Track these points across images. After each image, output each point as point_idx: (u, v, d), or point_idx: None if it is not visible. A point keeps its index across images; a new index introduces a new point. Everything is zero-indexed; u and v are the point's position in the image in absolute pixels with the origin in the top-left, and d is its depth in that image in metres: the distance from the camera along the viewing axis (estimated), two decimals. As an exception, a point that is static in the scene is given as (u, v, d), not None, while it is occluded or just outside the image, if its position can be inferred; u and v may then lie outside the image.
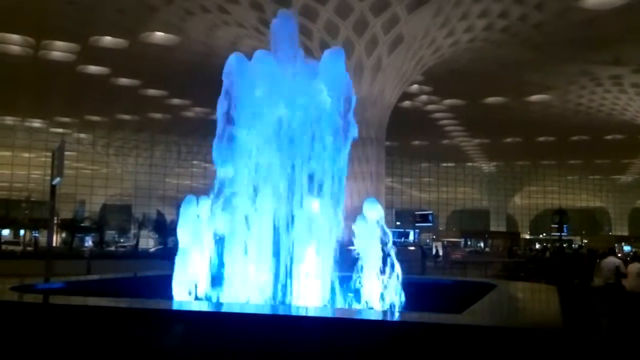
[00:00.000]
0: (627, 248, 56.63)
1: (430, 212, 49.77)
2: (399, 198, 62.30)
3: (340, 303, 6.15)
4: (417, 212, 47.95)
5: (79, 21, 24.69)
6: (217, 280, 6.34)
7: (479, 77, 30.62)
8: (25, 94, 36.65)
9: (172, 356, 4.24)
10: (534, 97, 35.22)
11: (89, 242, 48.53)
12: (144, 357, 4.28)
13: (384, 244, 6.16)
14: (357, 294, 6.14)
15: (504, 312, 5.19)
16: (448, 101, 36.89)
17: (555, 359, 3.52)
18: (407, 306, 6.18)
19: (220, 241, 6.38)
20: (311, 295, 5.93)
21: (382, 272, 6.08)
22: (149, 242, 45.56)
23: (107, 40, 27.26)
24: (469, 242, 57.70)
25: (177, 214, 6.85)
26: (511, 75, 30.66)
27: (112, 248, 45.11)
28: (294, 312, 5.01)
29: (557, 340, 3.54)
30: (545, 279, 19.23)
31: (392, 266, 6.11)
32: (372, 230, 6.18)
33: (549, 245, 40.86)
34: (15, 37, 27.53)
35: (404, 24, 21.81)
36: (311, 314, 4.88)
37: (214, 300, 6.26)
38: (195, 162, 53.91)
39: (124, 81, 33.36)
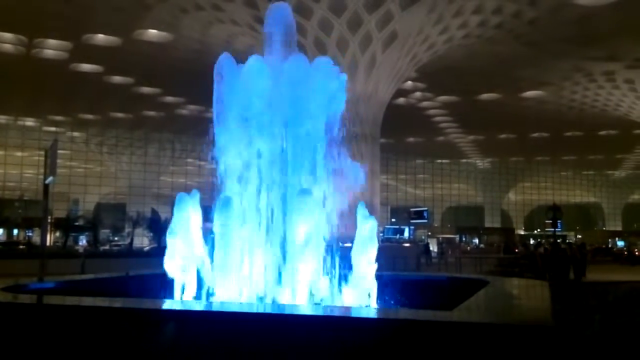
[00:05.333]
0: (620, 243, 56.97)
1: (425, 208, 49.91)
2: (394, 195, 62.41)
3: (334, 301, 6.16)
4: (412, 209, 48.09)
5: (72, 19, 24.55)
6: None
7: (473, 74, 30.68)
8: (17, 93, 36.44)
9: (166, 356, 4.24)
10: (528, 93, 35.33)
11: (83, 241, 48.31)
12: (138, 357, 4.28)
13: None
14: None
15: (495, 309, 5.21)
16: (442, 98, 36.94)
17: (546, 355, 3.54)
18: (401, 303, 6.21)
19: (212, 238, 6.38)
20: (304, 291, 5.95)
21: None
22: (143, 240, 45.43)
23: (100, 38, 27.13)
24: (464, 238, 57.79)
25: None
26: (505, 72, 30.74)
27: (107, 247, 44.93)
28: (286, 311, 5.02)
29: (548, 337, 3.57)
30: (539, 275, 19.33)
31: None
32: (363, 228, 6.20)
33: (542, 241, 41.06)
34: (7, 35, 27.35)
35: (398, 20, 21.83)
36: (303, 312, 4.89)
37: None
38: (189, 160, 53.77)
39: (117, 79, 33.22)
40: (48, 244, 32.10)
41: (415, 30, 22.65)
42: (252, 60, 6.69)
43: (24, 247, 38.69)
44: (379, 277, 6.33)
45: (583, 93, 34.44)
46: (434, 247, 42.89)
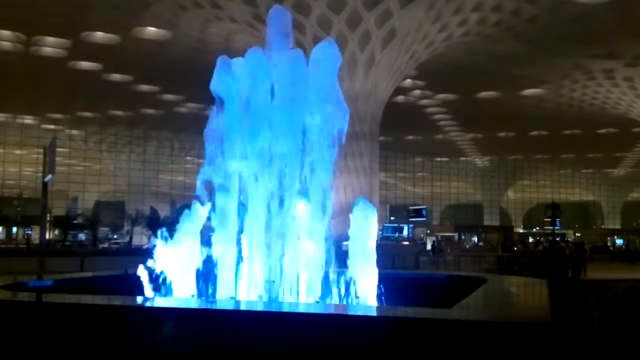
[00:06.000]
0: (619, 241, 57.08)
1: (424, 206, 49.80)
2: (392, 193, 62.42)
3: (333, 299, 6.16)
4: (411, 207, 47.99)
5: (71, 17, 24.51)
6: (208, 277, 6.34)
7: (473, 72, 30.68)
8: (16, 90, 36.39)
9: (165, 353, 4.24)
10: (527, 92, 35.34)
11: (82, 239, 48.27)
12: (138, 355, 4.28)
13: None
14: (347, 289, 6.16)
15: (494, 306, 5.22)
16: (441, 96, 36.93)
17: (543, 352, 3.55)
18: (400, 301, 6.21)
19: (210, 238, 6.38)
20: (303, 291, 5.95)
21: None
22: (142, 238, 45.40)
23: (99, 35, 27.10)
24: (462, 237, 57.81)
25: (173, 211, 6.84)
26: (504, 70, 30.74)
27: (106, 245, 44.93)
28: (284, 309, 5.03)
29: (546, 334, 3.57)
30: (538, 273, 19.36)
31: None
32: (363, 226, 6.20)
33: (542, 239, 41.07)
34: (6, 32, 27.31)
35: (397, 18, 21.81)
36: (301, 310, 4.89)
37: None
38: (188, 158, 53.77)
39: (116, 77, 33.19)
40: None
41: (415, 28, 22.63)
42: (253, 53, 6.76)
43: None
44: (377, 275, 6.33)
45: (582, 91, 34.45)
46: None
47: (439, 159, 62.14)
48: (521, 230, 69.36)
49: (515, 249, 35.40)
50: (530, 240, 48.80)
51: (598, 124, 41.90)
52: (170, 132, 50.52)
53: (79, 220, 46.13)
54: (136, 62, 30.05)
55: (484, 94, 35.96)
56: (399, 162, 59.02)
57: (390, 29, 22.20)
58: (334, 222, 6.35)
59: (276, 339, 3.98)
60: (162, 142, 51.98)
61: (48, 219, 32.68)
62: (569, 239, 46.47)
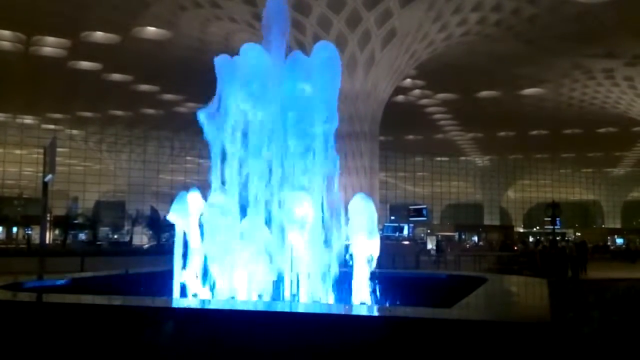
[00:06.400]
0: (619, 240, 57.09)
1: (425, 206, 49.81)
2: (392, 192, 62.42)
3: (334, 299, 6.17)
4: (411, 207, 47.99)
5: (70, 17, 24.52)
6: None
7: (473, 71, 30.67)
8: (16, 90, 36.40)
9: (165, 353, 4.24)
10: (527, 91, 35.34)
11: (82, 239, 48.29)
12: (138, 355, 4.28)
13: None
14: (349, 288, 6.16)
15: (494, 306, 5.22)
16: (441, 95, 36.94)
17: (543, 352, 3.55)
18: (401, 300, 6.22)
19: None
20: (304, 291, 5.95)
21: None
22: (142, 238, 45.42)
23: (99, 35, 27.11)
24: (463, 236, 57.77)
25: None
26: (504, 69, 30.74)
27: (106, 244, 44.95)
28: (284, 309, 5.03)
29: (546, 334, 3.58)
30: (538, 273, 19.37)
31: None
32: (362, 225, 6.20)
33: (542, 238, 41.06)
34: (5, 32, 27.32)
35: (397, 18, 21.82)
36: (301, 309, 4.90)
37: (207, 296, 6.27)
38: (188, 157, 53.80)
39: (116, 77, 33.20)
40: (47, 241, 32.06)
41: (414, 27, 22.64)
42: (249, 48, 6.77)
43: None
44: (378, 275, 6.33)
45: (582, 90, 34.45)
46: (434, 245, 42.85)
47: (439, 158, 62.15)
48: (521, 230, 69.34)
49: (516, 248, 35.39)
50: (531, 239, 48.77)
51: (598, 123, 41.89)
52: (170, 132, 50.53)
53: (79, 220, 46.15)
54: (136, 62, 30.05)
55: (484, 94, 35.96)
56: (399, 161, 59.00)
57: (390, 29, 22.21)
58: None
59: (276, 339, 3.98)
60: (162, 142, 51.98)
61: (48, 219, 32.68)
62: (569, 238, 46.45)
